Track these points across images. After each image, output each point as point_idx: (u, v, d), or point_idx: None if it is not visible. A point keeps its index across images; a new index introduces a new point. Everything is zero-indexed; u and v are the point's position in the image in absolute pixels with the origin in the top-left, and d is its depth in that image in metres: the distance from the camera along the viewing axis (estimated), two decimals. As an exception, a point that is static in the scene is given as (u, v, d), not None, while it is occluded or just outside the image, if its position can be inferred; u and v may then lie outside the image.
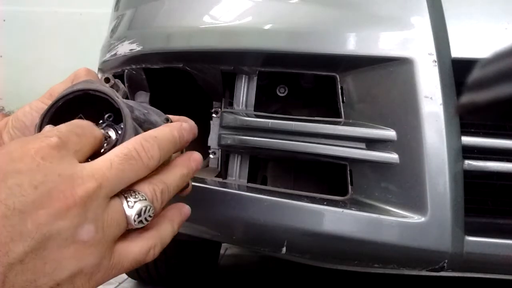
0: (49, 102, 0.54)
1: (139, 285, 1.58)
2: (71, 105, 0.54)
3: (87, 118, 0.53)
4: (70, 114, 0.54)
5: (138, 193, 0.50)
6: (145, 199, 0.50)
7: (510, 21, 0.77)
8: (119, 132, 0.53)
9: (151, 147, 0.51)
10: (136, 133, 0.53)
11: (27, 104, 0.62)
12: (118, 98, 0.53)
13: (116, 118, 0.55)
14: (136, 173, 0.50)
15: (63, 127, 0.49)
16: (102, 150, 0.51)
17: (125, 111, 0.52)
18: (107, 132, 0.54)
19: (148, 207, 0.50)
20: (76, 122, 0.50)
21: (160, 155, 0.52)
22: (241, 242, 0.95)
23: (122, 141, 0.51)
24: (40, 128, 0.52)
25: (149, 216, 0.51)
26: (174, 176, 0.55)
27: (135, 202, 0.49)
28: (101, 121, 0.56)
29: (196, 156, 0.59)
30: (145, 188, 0.51)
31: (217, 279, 1.70)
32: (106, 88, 0.54)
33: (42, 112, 0.53)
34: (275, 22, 0.84)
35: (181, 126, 0.57)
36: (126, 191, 0.50)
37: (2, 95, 4.93)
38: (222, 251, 1.97)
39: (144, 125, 0.56)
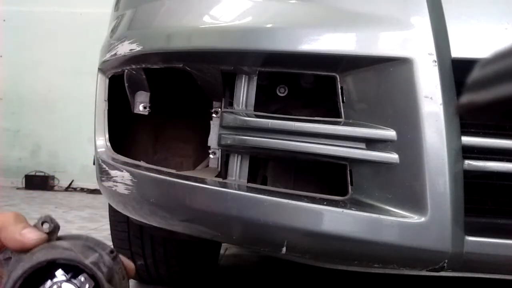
0: None
1: (139, 285, 1.58)
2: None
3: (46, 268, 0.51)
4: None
5: None
6: None
7: (510, 21, 0.77)
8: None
9: None
10: None
11: None
12: (87, 261, 0.52)
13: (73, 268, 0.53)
14: None
15: None
16: None
17: (99, 275, 0.52)
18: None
19: None
20: None
21: None
22: (241, 242, 0.95)
23: None
24: None
25: None
26: None
27: None
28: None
29: None
30: None
31: (217, 279, 1.70)
32: (72, 253, 0.53)
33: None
34: (275, 22, 0.84)
35: None
36: None
37: (2, 95, 4.93)
38: (222, 251, 1.96)
39: (109, 273, 0.55)
